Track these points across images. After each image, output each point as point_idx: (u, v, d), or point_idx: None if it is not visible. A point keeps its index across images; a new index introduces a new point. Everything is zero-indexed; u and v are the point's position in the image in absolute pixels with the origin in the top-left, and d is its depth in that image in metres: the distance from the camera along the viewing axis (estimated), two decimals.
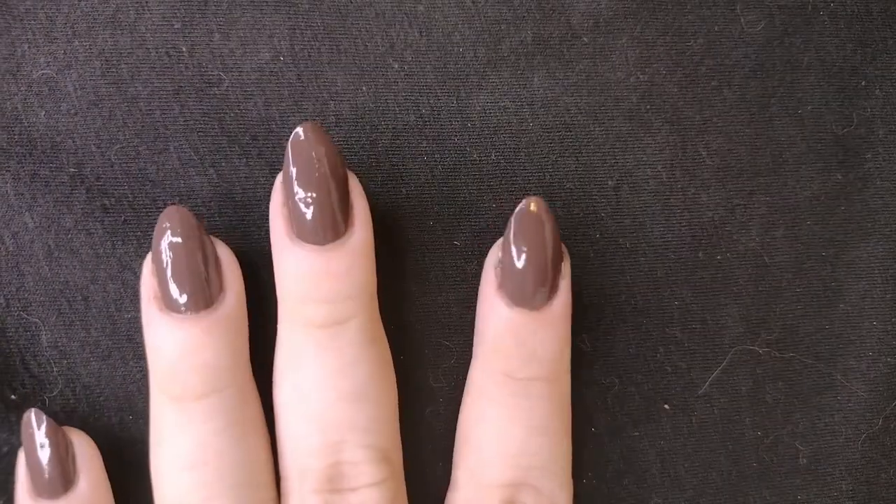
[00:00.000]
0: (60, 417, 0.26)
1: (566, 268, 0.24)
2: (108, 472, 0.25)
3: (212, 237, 0.24)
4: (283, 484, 0.25)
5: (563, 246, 0.24)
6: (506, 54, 0.27)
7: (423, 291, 0.27)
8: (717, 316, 0.28)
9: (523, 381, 0.24)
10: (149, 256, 0.24)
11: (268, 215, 0.26)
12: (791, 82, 0.28)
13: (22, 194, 0.25)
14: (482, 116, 0.27)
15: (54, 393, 0.26)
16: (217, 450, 0.23)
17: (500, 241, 0.25)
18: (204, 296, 0.23)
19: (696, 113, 0.27)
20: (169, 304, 0.23)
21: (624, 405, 0.28)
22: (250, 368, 0.25)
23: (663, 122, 0.27)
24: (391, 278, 0.27)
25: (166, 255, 0.23)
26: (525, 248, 0.23)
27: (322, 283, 0.23)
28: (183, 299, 0.23)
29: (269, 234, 0.26)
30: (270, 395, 0.25)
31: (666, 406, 0.28)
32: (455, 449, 0.26)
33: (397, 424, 0.25)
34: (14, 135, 0.25)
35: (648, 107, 0.27)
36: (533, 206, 0.23)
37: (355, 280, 0.23)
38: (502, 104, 0.27)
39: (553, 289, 0.24)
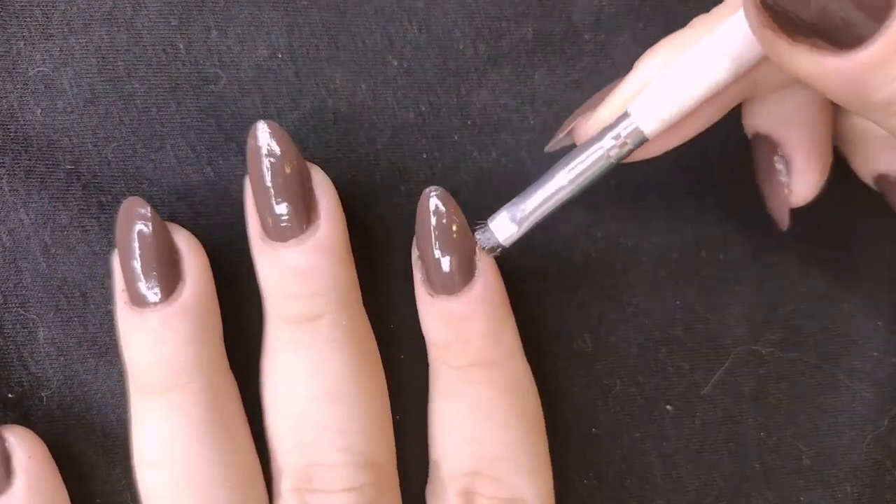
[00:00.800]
0: (57, 414, 0.26)
1: (480, 251, 0.24)
2: (103, 467, 0.25)
3: (170, 224, 0.24)
4: (273, 478, 0.25)
5: (467, 230, 0.24)
6: (506, 51, 0.26)
7: None
8: (719, 316, 0.28)
9: (462, 368, 0.24)
10: (115, 252, 0.24)
11: None
12: None
13: (18, 191, 0.25)
14: (482, 114, 0.26)
15: (51, 390, 0.26)
16: (182, 447, 0.23)
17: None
18: (161, 288, 0.23)
19: None
20: (132, 297, 0.23)
21: (626, 406, 0.27)
22: (225, 362, 0.24)
23: None
24: (391, 277, 0.26)
25: (126, 248, 0.23)
26: (423, 242, 0.24)
27: (289, 280, 0.23)
28: (142, 291, 0.23)
29: None
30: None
31: (668, 407, 0.27)
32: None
33: (385, 426, 0.25)
34: (10, 132, 0.25)
35: None
36: (424, 200, 0.24)
37: (322, 276, 0.23)
38: (503, 101, 0.27)
39: (469, 272, 0.24)
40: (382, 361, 0.26)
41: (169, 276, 0.23)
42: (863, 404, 0.28)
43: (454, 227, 0.24)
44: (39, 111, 0.25)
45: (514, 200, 0.24)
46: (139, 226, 0.23)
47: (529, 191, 0.23)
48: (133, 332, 0.23)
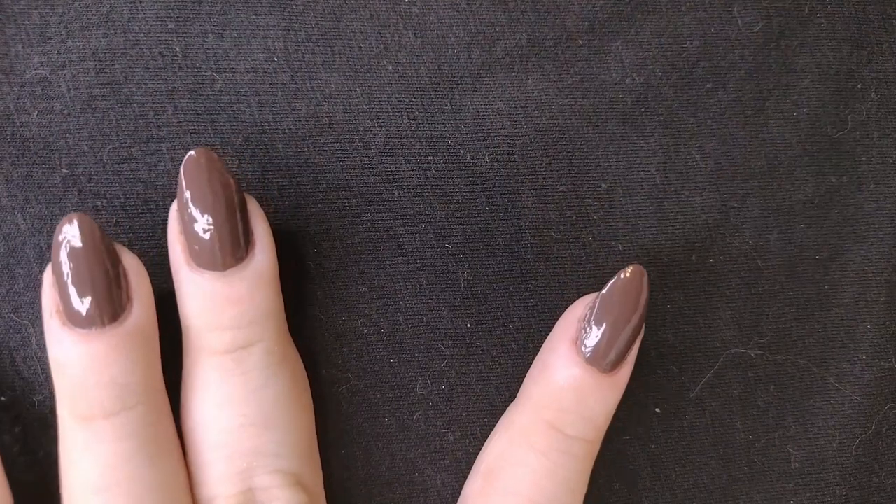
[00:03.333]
0: (50, 420, 0.26)
1: (639, 339, 0.25)
2: None
3: (118, 244, 0.23)
4: None
5: (644, 321, 0.24)
6: (500, 56, 0.27)
7: (413, 294, 0.27)
8: (709, 319, 0.28)
9: (571, 438, 0.24)
10: (48, 268, 0.22)
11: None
12: (786, 85, 0.28)
13: (14, 195, 0.25)
14: (476, 119, 0.27)
15: (43, 395, 0.26)
16: (128, 470, 0.22)
17: (590, 295, 0.25)
18: (109, 309, 0.22)
19: (690, 115, 0.27)
20: (72, 319, 0.22)
21: (616, 409, 0.27)
22: (163, 383, 0.24)
23: (657, 124, 0.27)
24: (382, 281, 0.27)
25: (66, 267, 0.21)
26: (614, 316, 0.24)
27: (224, 310, 0.23)
28: (86, 313, 0.22)
29: None
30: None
31: (657, 409, 0.28)
32: (471, 483, 0.26)
33: (313, 446, 0.25)
34: (6, 135, 0.25)
35: (643, 109, 0.27)
36: (631, 277, 0.24)
37: (258, 304, 0.23)
38: (496, 106, 0.27)
39: (625, 356, 0.24)
40: (373, 364, 0.26)
41: (117, 297, 0.22)
42: (852, 407, 0.28)
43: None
44: (36, 114, 0.25)
45: None
46: (90, 246, 0.22)
47: None
48: (76, 354, 0.22)
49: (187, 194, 0.22)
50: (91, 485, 0.22)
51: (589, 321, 0.24)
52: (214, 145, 0.26)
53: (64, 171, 0.25)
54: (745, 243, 0.28)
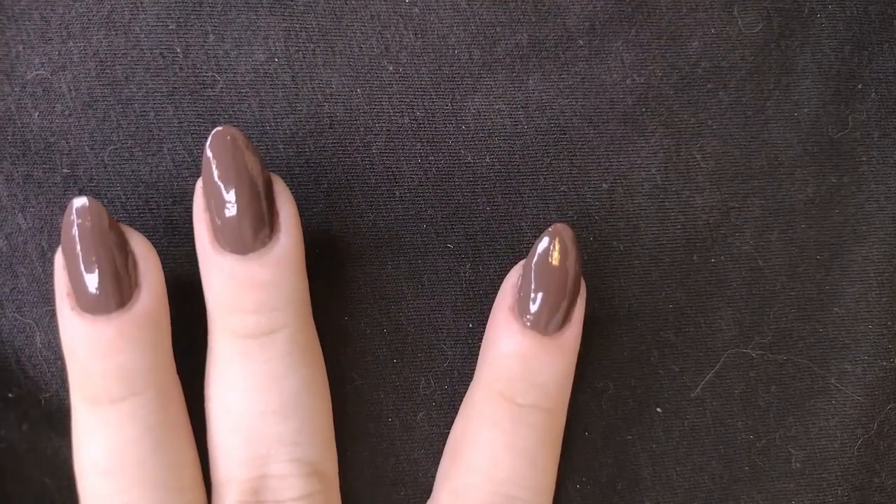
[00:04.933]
0: (56, 418, 0.26)
1: (582, 300, 0.24)
2: None
3: (127, 228, 0.23)
4: (213, 490, 0.24)
5: (582, 279, 0.24)
6: (501, 57, 0.27)
7: (415, 294, 0.27)
8: (710, 319, 0.28)
9: (524, 407, 0.24)
10: (59, 251, 0.22)
11: None
12: (787, 85, 0.28)
13: (15, 195, 0.25)
14: (476, 119, 0.27)
15: (49, 393, 0.26)
16: (135, 455, 0.22)
17: (521, 262, 0.24)
18: (116, 294, 0.22)
19: (691, 116, 0.27)
20: (81, 303, 0.22)
21: (618, 409, 0.28)
22: (174, 367, 0.24)
23: (658, 124, 0.27)
24: (384, 281, 0.27)
25: (75, 252, 0.22)
26: (545, 274, 0.23)
27: (247, 294, 0.22)
28: (94, 299, 0.22)
29: None
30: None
31: (658, 409, 0.28)
32: (441, 464, 0.26)
33: (331, 434, 0.25)
34: (7, 136, 0.25)
35: (643, 110, 0.27)
36: (559, 233, 0.23)
37: (282, 290, 0.23)
38: (497, 107, 0.27)
39: (567, 318, 0.24)
40: (376, 364, 0.26)
41: (125, 282, 0.22)
42: (854, 408, 0.28)
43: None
44: (37, 114, 0.25)
45: None
46: (93, 229, 0.22)
47: None
48: (84, 339, 0.22)
49: (214, 171, 0.22)
50: (99, 466, 0.22)
51: (524, 286, 0.24)
52: None
53: (65, 171, 0.26)
54: (746, 243, 0.28)
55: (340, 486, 0.26)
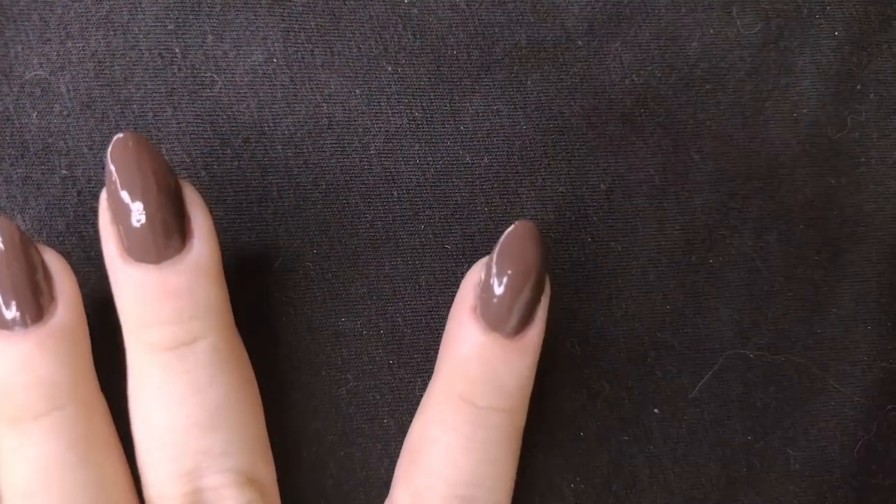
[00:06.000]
0: None
1: (545, 299, 0.23)
2: None
3: (40, 245, 0.22)
4: None
5: (546, 276, 0.23)
6: (499, 57, 0.27)
7: (413, 295, 0.27)
8: (708, 320, 0.28)
9: (484, 409, 0.23)
10: None
11: (260, 218, 0.26)
12: (786, 86, 0.28)
13: (13, 196, 0.25)
14: (475, 119, 0.27)
15: None
16: (59, 472, 0.22)
17: (482, 260, 0.24)
18: (32, 309, 0.21)
19: (689, 116, 0.27)
20: None
21: (614, 410, 0.27)
22: (97, 383, 0.23)
23: (656, 125, 0.27)
24: (381, 282, 0.27)
25: None
26: (509, 274, 0.22)
27: (163, 304, 0.22)
28: (9, 315, 0.21)
29: (263, 236, 0.26)
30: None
31: (655, 410, 0.28)
32: (399, 464, 0.25)
33: (264, 441, 0.24)
34: (6, 136, 0.25)
35: (642, 110, 0.27)
36: (522, 231, 0.22)
37: (199, 298, 0.22)
38: (495, 107, 0.27)
39: (529, 318, 0.23)
40: (372, 365, 0.26)
41: (44, 297, 0.22)
42: (853, 409, 0.28)
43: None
44: (35, 115, 0.25)
45: None
46: (11, 248, 0.21)
47: None
48: (2, 356, 0.21)
49: (116, 180, 0.21)
50: (21, 488, 0.22)
51: (485, 286, 0.23)
52: (214, 146, 0.26)
53: (63, 172, 0.26)
54: (745, 244, 0.28)
55: (335, 488, 0.26)
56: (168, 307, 0.22)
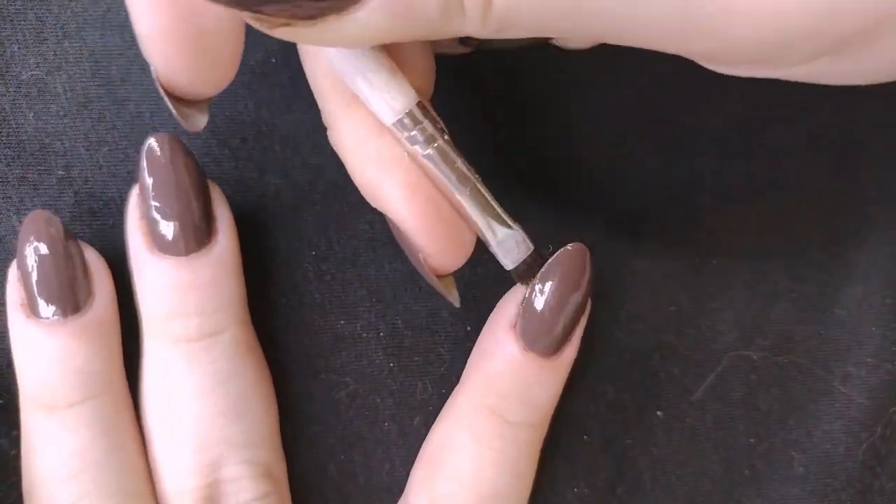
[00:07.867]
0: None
1: (584, 319, 0.24)
2: None
3: (79, 242, 0.23)
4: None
5: (589, 299, 0.24)
6: (502, 54, 0.26)
7: (413, 297, 0.27)
8: (711, 321, 0.28)
9: (514, 424, 0.24)
10: (14, 263, 0.23)
11: (260, 218, 0.26)
12: (788, 86, 0.27)
13: (10, 197, 0.25)
14: (475, 119, 0.26)
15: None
16: (94, 458, 0.23)
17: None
18: (71, 301, 0.23)
19: (691, 116, 0.27)
20: (36, 311, 0.23)
21: (617, 412, 0.27)
22: (124, 375, 0.24)
23: (661, 125, 0.27)
24: (381, 284, 0.26)
25: (31, 262, 0.23)
26: (556, 293, 0.23)
27: (189, 296, 0.23)
28: (50, 306, 0.23)
29: (261, 236, 0.26)
30: None
31: (659, 412, 0.27)
32: (418, 468, 0.25)
33: (278, 437, 0.25)
34: (2, 137, 0.25)
35: (647, 110, 0.27)
36: (574, 254, 0.23)
37: (224, 290, 0.23)
38: (497, 107, 0.27)
39: (568, 338, 0.24)
40: (372, 368, 0.26)
41: (83, 290, 0.23)
42: (858, 411, 0.28)
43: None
44: (32, 115, 0.25)
45: None
46: (54, 242, 0.23)
47: None
48: (41, 346, 0.23)
49: (149, 180, 0.23)
50: (56, 474, 0.23)
51: (528, 304, 0.23)
52: (211, 146, 0.26)
53: (60, 172, 0.25)
54: (748, 245, 0.27)
55: (335, 492, 0.26)
56: (194, 298, 0.23)
